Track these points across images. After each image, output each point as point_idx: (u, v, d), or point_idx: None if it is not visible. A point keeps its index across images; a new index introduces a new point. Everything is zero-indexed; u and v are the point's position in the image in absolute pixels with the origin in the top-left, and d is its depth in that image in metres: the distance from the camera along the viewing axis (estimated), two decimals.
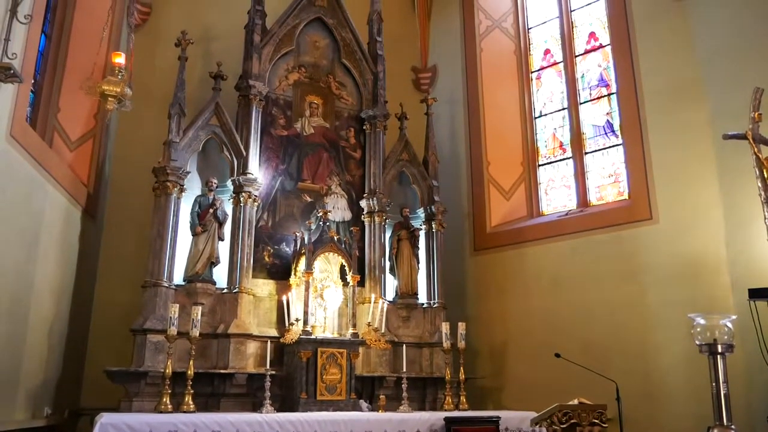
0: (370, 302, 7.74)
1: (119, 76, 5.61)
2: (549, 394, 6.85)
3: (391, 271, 8.37)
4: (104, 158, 7.82)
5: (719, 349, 4.31)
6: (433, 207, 8.63)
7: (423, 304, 8.37)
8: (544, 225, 9.14)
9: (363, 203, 8.35)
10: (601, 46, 9.44)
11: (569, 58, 9.79)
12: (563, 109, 9.75)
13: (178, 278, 7.10)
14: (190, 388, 6.26)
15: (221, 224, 7.35)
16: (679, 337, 6.87)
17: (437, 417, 6.83)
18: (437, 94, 10.15)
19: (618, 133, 8.90)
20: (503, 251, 9.22)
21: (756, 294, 5.88)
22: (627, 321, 7.73)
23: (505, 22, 10.48)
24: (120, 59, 5.70)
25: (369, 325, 7.46)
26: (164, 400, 6.07)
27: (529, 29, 10.45)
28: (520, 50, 10.37)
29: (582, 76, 9.63)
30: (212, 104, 7.66)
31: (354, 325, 7.42)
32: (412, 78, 10.78)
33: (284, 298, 7.38)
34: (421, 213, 8.71)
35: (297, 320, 7.10)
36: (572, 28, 9.89)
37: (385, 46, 9.05)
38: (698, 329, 4.47)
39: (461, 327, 7.78)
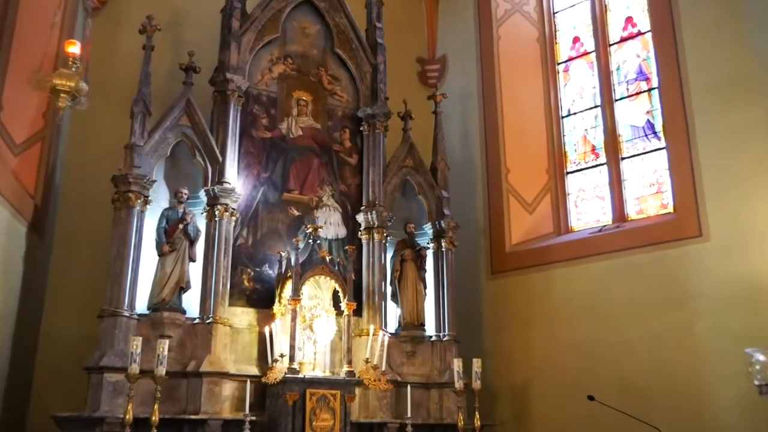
0: (368, 335, 7.70)
1: (73, 69, 5.63)
2: None
3: (393, 297, 8.38)
4: (54, 165, 7.84)
5: None
6: (442, 222, 8.64)
7: (431, 336, 8.35)
8: (574, 243, 9.15)
9: (360, 218, 8.36)
10: (639, 33, 9.49)
11: (602, 47, 9.83)
12: (596, 106, 9.78)
13: (142, 306, 7.09)
14: None
15: (192, 242, 7.36)
16: (734, 375, 6.84)
17: None
18: (447, 89, 10.19)
19: (660, 135, 8.93)
20: (525, 274, 9.22)
21: None
22: (672, 356, 7.70)
23: (527, 6, 10.56)
24: (74, 48, 5.73)
25: (367, 361, 7.42)
26: None
27: (554, 13, 10.52)
28: (544, 38, 10.44)
29: (617, 69, 9.67)
30: (183, 101, 7.68)
31: (349, 362, 7.39)
32: (418, 70, 10.86)
33: (267, 330, 7.37)
34: (428, 229, 8.72)
35: (282, 356, 7.08)
36: (606, 11, 9.95)
37: (386, 34, 9.12)
38: (757, 367, 4.46)
39: (476, 364, 7.74)
